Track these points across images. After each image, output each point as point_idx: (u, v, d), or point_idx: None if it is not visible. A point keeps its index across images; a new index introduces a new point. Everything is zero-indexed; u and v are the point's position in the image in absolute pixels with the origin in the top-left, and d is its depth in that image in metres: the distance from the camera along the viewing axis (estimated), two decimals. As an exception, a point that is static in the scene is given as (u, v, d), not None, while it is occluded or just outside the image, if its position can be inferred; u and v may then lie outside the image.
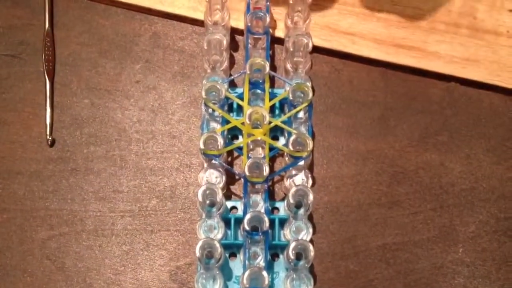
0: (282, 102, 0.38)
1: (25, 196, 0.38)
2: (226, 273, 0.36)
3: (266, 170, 0.34)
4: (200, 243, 0.33)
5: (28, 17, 0.42)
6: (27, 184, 0.38)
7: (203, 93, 0.36)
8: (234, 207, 0.38)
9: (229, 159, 0.39)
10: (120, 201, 0.38)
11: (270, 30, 0.39)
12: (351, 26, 0.41)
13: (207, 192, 0.34)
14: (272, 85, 0.39)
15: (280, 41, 0.41)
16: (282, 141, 0.38)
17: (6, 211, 0.38)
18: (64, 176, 0.39)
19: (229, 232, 0.36)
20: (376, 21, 0.41)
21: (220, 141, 0.35)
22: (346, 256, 0.38)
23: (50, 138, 0.39)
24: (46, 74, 0.40)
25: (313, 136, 0.38)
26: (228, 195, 0.38)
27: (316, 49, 0.40)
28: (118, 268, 0.37)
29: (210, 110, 0.37)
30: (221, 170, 0.36)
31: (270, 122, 0.36)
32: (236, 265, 0.36)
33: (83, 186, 0.38)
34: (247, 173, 0.34)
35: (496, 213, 0.39)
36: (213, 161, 0.36)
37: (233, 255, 0.37)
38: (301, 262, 0.34)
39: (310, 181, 0.37)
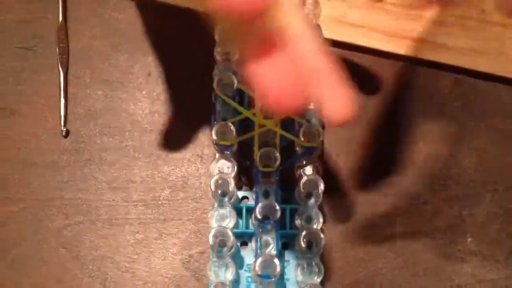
0: None
1: (40, 186, 0.39)
2: (238, 261, 0.37)
3: (277, 160, 0.35)
4: (213, 231, 0.34)
5: (41, 10, 0.42)
6: (42, 175, 0.39)
7: (215, 84, 0.37)
8: (245, 197, 0.38)
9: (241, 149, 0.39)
10: (134, 191, 0.39)
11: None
12: (360, 19, 0.42)
13: (220, 181, 0.35)
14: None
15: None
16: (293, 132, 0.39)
17: (22, 201, 0.39)
18: (79, 167, 0.39)
19: (240, 221, 0.37)
20: (386, 14, 0.42)
21: (233, 131, 0.36)
22: (355, 245, 0.38)
23: (64, 129, 0.40)
24: (60, 66, 0.41)
25: (323, 126, 0.39)
26: (239, 185, 0.38)
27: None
28: (132, 256, 0.38)
29: (221, 101, 0.37)
30: (232, 160, 0.37)
31: None
32: (247, 253, 0.37)
33: (97, 176, 0.39)
34: (258, 163, 0.35)
35: (505, 203, 0.39)
36: (225, 152, 0.36)
37: (244, 244, 0.37)
38: (312, 251, 0.35)
39: (321, 171, 0.37)
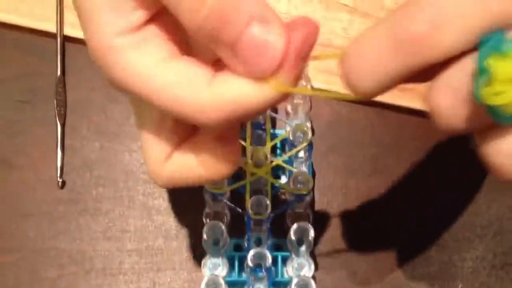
0: (283, 142, 0.40)
1: (36, 236, 0.40)
2: None
3: (268, 207, 0.36)
4: (205, 280, 0.34)
5: (39, 64, 0.44)
6: (38, 225, 0.40)
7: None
8: (238, 245, 0.39)
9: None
10: (128, 240, 0.39)
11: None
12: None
13: (212, 229, 0.36)
14: (273, 126, 0.41)
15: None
16: (283, 180, 0.40)
17: (17, 251, 0.39)
18: (74, 217, 0.40)
19: (233, 269, 0.37)
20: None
21: (224, 180, 0.36)
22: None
23: (60, 180, 0.41)
24: (57, 119, 0.42)
25: (313, 174, 0.39)
26: (232, 233, 0.39)
27: (315, 92, 0.42)
28: (126, 306, 0.38)
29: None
30: (225, 208, 0.37)
31: (271, 161, 0.37)
32: (241, 302, 0.37)
33: (92, 226, 0.40)
34: (250, 210, 0.36)
35: (493, 248, 0.40)
36: (218, 199, 0.37)
37: (237, 292, 0.38)
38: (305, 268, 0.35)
39: (311, 219, 0.38)
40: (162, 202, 0.40)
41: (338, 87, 0.41)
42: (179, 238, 0.39)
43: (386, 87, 0.23)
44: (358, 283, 0.39)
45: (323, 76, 0.43)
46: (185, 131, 0.26)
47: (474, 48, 0.22)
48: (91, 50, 0.23)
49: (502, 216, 0.40)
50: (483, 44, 0.22)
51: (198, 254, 0.39)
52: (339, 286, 0.38)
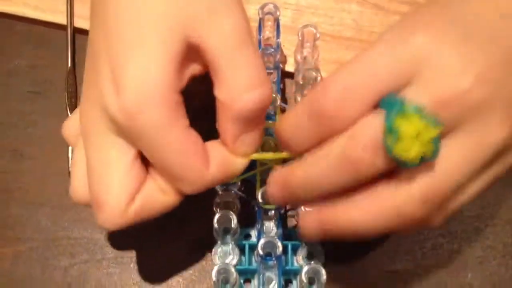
0: None
1: (47, 226, 0.40)
2: None
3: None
4: (216, 268, 0.34)
5: (51, 56, 0.44)
6: (50, 215, 0.40)
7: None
8: (248, 234, 0.39)
9: (243, 187, 0.40)
10: (139, 229, 0.40)
11: (281, 65, 0.41)
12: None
13: (223, 218, 0.36)
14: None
15: (291, 75, 0.43)
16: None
17: (30, 240, 0.40)
18: (85, 207, 0.40)
19: (243, 258, 0.37)
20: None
21: None
22: (357, 281, 0.39)
23: (72, 170, 0.41)
24: (68, 110, 0.42)
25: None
26: (242, 222, 0.39)
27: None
28: (137, 295, 0.38)
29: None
30: (235, 198, 0.38)
31: (282, 151, 0.37)
32: (251, 290, 0.38)
33: (103, 215, 0.40)
34: (260, 200, 0.36)
35: (503, 238, 0.40)
36: (229, 189, 0.37)
37: (247, 281, 0.38)
38: (314, 286, 0.35)
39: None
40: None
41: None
42: (190, 227, 0.40)
43: (307, 149, 0.30)
44: (368, 271, 0.39)
45: (331, 67, 0.43)
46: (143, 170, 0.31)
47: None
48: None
49: (512, 206, 0.40)
50: (384, 106, 0.27)
51: (209, 243, 0.39)
52: (348, 275, 0.39)
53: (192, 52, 0.29)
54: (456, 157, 0.28)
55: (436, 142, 0.26)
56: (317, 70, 0.39)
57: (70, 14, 0.44)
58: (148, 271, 0.39)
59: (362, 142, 0.27)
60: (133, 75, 0.27)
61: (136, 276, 0.39)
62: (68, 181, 0.40)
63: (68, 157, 0.41)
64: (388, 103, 0.27)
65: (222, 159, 0.31)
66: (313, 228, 0.30)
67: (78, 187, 0.32)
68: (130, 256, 0.39)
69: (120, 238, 0.40)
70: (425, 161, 0.27)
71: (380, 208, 0.28)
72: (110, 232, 0.40)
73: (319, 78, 0.39)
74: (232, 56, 0.29)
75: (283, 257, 0.36)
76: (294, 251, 0.37)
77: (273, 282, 0.36)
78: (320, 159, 0.29)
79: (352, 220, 0.29)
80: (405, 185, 0.28)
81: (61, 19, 0.44)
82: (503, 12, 0.29)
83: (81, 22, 0.44)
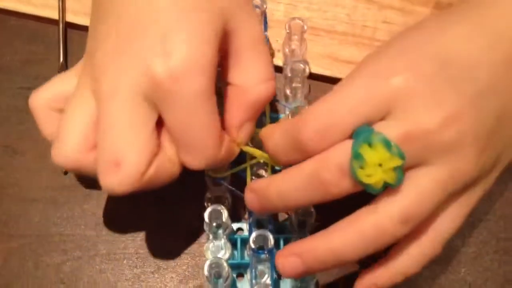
0: None
1: (40, 222, 0.40)
2: None
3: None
4: (207, 263, 0.34)
5: (43, 52, 0.44)
6: (42, 211, 0.40)
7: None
8: (240, 229, 0.39)
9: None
10: (132, 225, 0.40)
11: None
12: (351, 56, 0.43)
13: (214, 213, 0.36)
14: (273, 111, 0.41)
15: (279, 69, 0.42)
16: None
17: (22, 237, 0.39)
18: (78, 203, 0.40)
19: (235, 253, 0.37)
20: (375, 50, 0.43)
21: (225, 164, 0.36)
22: (353, 277, 0.38)
23: (64, 166, 0.41)
24: (61, 105, 0.42)
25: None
26: (233, 217, 0.39)
27: (317, 77, 0.42)
28: (130, 291, 0.38)
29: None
30: (226, 192, 0.38)
31: None
32: (244, 285, 0.38)
33: (96, 211, 0.40)
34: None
35: (497, 233, 0.40)
36: (218, 183, 0.37)
37: (240, 275, 0.38)
38: (307, 278, 0.35)
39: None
40: (165, 188, 0.40)
41: (337, 71, 0.42)
42: (183, 223, 0.40)
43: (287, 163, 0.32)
44: (361, 263, 0.38)
45: (324, 61, 0.43)
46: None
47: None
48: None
49: (506, 201, 0.40)
50: (355, 134, 0.29)
51: (201, 239, 0.39)
52: (344, 269, 0.38)
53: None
54: (429, 185, 0.30)
55: (399, 171, 0.29)
56: (305, 62, 0.39)
57: (62, 9, 0.44)
58: (141, 268, 0.39)
59: (331, 164, 0.30)
60: (186, 42, 0.29)
61: (128, 272, 0.39)
62: (62, 177, 0.41)
63: (60, 153, 0.41)
64: (358, 132, 0.29)
65: (229, 143, 0.33)
66: (292, 262, 0.32)
67: (71, 146, 0.32)
68: (123, 253, 0.39)
69: (113, 235, 0.39)
70: (389, 187, 0.29)
71: (359, 230, 0.30)
72: (103, 229, 0.39)
73: (307, 70, 0.39)
74: (256, 48, 0.32)
75: (275, 250, 0.36)
76: (286, 244, 0.37)
77: (266, 276, 0.36)
78: (294, 176, 0.31)
79: (332, 247, 0.31)
80: (384, 207, 0.30)
81: (53, 14, 0.44)
82: (482, 45, 0.30)
83: (73, 17, 0.44)
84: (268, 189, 0.32)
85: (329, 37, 0.43)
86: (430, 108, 0.29)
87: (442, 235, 0.32)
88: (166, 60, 0.29)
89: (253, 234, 0.35)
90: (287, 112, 0.39)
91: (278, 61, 0.43)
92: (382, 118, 0.30)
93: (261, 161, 0.36)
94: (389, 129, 0.29)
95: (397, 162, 0.28)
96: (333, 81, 0.42)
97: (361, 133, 0.29)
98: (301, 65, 0.38)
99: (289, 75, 0.39)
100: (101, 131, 0.31)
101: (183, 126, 0.30)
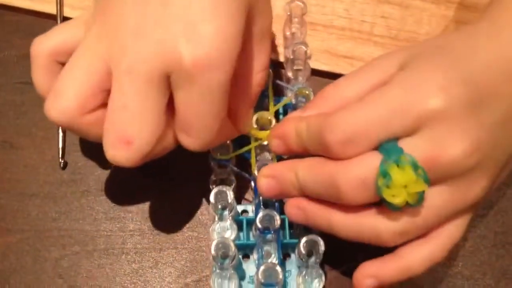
0: (286, 108, 0.40)
1: (38, 217, 0.40)
2: (240, 273, 0.37)
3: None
4: (214, 242, 0.34)
5: (41, 47, 0.44)
6: (40, 206, 0.40)
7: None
8: (244, 211, 0.39)
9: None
10: (130, 221, 0.40)
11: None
12: (349, 51, 0.43)
13: (219, 194, 0.36)
14: (276, 94, 0.41)
15: (280, 65, 0.43)
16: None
17: (20, 231, 0.39)
18: (76, 198, 0.40)
19: (241, 234, 0.37)
20: (373, 45, 0.43)
21: (230, 146, 0.37)
22: (355, 252, 0.38)
23: (62, 161, 0.41)
24: (58, 100, 0.42)
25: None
26: (238, 199, 0.39)
27: (316, 73, 0.42)
28: (128, 286, 0.38)
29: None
30: (231, 174, 0.38)
31: None
32: (250, 265, 0.38)
33: (94, 206, 0.40)
34: (256, 175, 0.36)
35: (494, 227, 0.40)
36: (224, 166, 0.38)
37: (246, 256, 0.38)
38: (312, 258, 0.35)
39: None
40: (164, 182, 0.40)
41: (335, 66, 0.42)
42: (181, 217, 0.40)
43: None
44: (361, 249, 0.38)
45: (322, 56, 0.43)
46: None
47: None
48: None
49: (503, 195, 0.40)
50: (383, 150, 0.30)
51: (200, 234, 0.39)
52: (346, 252, 0.38)
53: None
54: (439, 204, 0.31)
55: (422, 194, 0.30)
56: (306, 44, 0.39)
57: (60, 3, 0.44)
58: (139, 263, 0.39)
59: (351, 175, 0.30)
60: (216, 34, 0.29)
61: (127, 267, 0.39)
62: (59, 172, 0.41)
63: (58, 148, 0.41)
64: (387, 149, 0.30)
65: (231, 130, 0.35)
66: (295, 213, 0.33)
67: (69, 104, 0.31)
68: (121, 248, 0.39)
69: (111, 229, 0.39)
70: (408, 207, 0.30)
71: (358, 225, 0.32)
72: (101, 224, 0.39)
73: (309, 52, 0.39)
74: (264, 39, 0.34)
75: (281, 231, 0.36)
76: (291, 225, 0.37)
77: (272, 256, 0.36)
78: (313, 169, 0.32)
79: (330, 224, 0.32)
80: (387, 218, 0.31)
81: (51, 9, 0.44)
82: (504, 74, 0.31)
83: (70, 12, 0.44)
84: (288, 174, 0.33)
85: (327, 32, 0.44)
86: (456, 134, 0.30)
87: (452, 242, 0.33)
88: (194, 47, 0.29)
89: (260, 214, 0.35)
90: (290, 94, 0.39)
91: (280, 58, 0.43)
92: (409, 134, 0.30)
93: (265, 142, 0.36)
94: (415, 149, 0.29)
95: (423, 187, 0.29)
96: (331, 76, 0.42)
97: (390, 151, 0.29)
98: (303, 47, 0.39)
99: (291, 57, 0.39)
100: (114, 107, 0.31)
101: (194, 112, 0.31)
